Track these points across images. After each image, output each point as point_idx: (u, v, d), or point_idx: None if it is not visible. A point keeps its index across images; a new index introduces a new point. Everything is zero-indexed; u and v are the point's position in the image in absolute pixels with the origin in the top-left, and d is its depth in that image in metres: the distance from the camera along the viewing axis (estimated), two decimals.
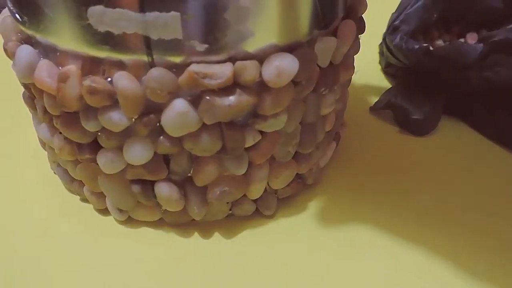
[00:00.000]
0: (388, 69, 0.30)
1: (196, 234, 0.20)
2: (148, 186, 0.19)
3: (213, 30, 0.16)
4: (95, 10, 0.15)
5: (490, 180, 0.23)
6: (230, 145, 0.18)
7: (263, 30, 0.16)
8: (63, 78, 0.17)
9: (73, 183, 0.21)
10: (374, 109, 0.27)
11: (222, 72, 0.16)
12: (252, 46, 0.17)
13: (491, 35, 0.24)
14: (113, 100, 0.17)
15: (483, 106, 0.26)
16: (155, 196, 0.19)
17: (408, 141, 0.26)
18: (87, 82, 0.16)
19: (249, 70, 0.16)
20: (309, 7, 0.17)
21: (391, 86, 0.29)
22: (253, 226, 0.21)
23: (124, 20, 0.15)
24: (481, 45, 0.24)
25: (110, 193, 0.20)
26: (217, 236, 0.20)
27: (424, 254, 0.20)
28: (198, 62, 0.16)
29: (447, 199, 0.22)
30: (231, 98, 0.17)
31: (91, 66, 0.17)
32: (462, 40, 0.28)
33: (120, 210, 0.20)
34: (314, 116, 0.20)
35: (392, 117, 0.27)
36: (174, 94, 0.16)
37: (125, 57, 0.16)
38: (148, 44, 0.16)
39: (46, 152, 0.23)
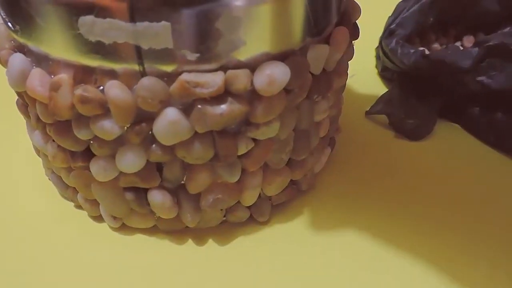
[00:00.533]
0: (384, 73, 0.30)
1: (190, 241, 0.20)
2: (141, 193, 0.19)
3: (205, 39, 0.16)
4: (86, 20, 0.15)
5: (487, 183, 0.23)
6: (223, 153, 0.18)
7: (255, 38, 0.16)
8: (55, 87, 0.17)
9: (67, 190, 0.21)
10: (370, 114, 0.27)
11: (214, 81, 0.16)
12: (244, 54, 0.17)
13: (487, 40, 0.24)
14: (104, 109, 0.17)
15: (478, 110, 0.26)
16: (148, 204, 0.19)
17: (403, 145, 0.26)
18: (78, 91, 0.16)
19: (240, 78, 0.16)
20: (301, 15, 0.17)
21: (387, 90, 0.29)
22: (248, 233, 0.21)
23: (114, 30, 0.15)
24: (476, 49, 0.24)
25: (103, 201, 0.20)
26: (211, 243, 0.20)
27: (419, 259, 0.20)
28: (189, 71, 0.16)
29: (443, 204, 0.22)
30: (223, 107, 0.17)
31: (83, 75, 0.17)
32: (459, 43, 0.28)
33: (114, 217, 0.20)
34: (307, 123, 0.20)
35: (387, 121, 0.27)
36: (166, 102, 0.16)
37: (116, 66, 0.16)
38: (139, 54, 0.16)
39: (40, 159, 0.23)
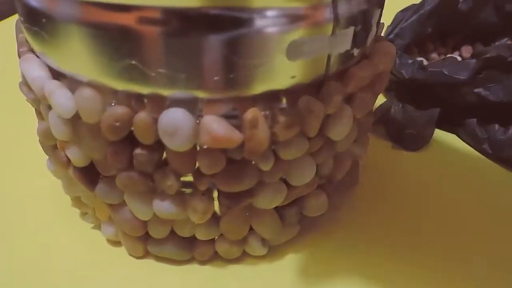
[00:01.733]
0: None
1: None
2: (298, 203, 0.19)
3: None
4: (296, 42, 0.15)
5: (484, 194, 0.23)
6: (365, 131, 0.20)
7: None
8: (253, 124, 0.15)
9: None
10: None
11: (367, 73, 0.18)
12: None
13: (484, 52, 0.24)
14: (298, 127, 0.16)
15: (476, 121, 0.26)
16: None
17: (401, 156, 0.26)
18: (282, 118, 0.16)
19: (381, 66, 0.19)
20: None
21: (385, 100, 0.28)
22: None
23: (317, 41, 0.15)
24: (474, 61, 0.25)
25: (265, 229, 0.19)
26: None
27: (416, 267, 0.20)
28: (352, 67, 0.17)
29: (440, 214, 0.22)
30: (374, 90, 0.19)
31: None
32: (457, 53, 0.29)
33: (264, 242, 0.20)
34: None
35: (385, 132, 0.27)
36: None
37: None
38: (328, 61, 0.16)
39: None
